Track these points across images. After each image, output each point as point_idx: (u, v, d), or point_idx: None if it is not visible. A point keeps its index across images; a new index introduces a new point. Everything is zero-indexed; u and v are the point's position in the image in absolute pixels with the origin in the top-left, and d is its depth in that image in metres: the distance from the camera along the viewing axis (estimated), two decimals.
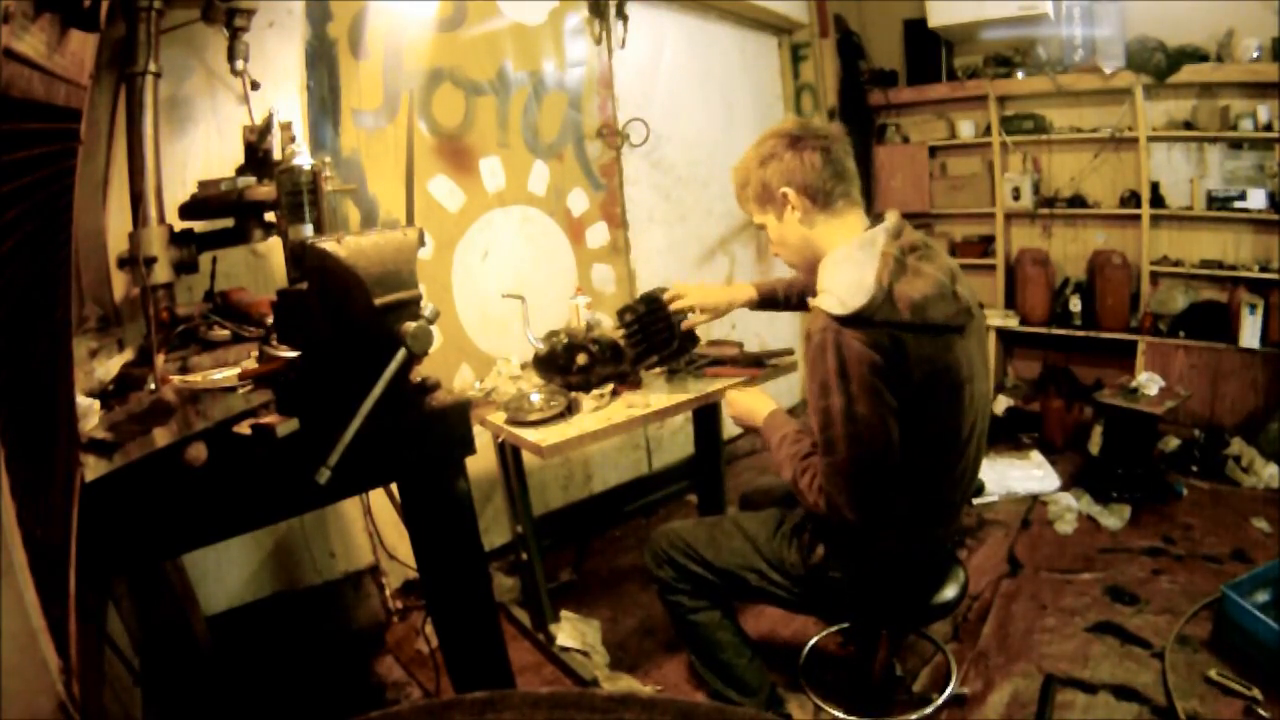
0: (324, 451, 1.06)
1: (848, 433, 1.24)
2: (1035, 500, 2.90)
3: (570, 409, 1.82)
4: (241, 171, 1.64)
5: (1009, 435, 3.54)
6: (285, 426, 1.10)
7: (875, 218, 1.39)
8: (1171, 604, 2.16)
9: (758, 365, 2.04)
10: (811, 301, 1.30)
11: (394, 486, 1.73)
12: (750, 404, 1.59)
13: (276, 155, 1.58)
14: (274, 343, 1.29)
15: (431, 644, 2.01)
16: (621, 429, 1.79)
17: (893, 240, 1.31)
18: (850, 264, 1.28)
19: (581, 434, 1.72)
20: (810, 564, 1.46)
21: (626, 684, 1.98)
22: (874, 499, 1.29)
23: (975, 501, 2.92)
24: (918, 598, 1.51)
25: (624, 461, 3.06)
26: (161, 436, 1.06)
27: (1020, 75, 3.65)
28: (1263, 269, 3.15)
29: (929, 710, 1.77)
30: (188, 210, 1.61)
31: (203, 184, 1.61)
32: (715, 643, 1.63)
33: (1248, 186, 3.15)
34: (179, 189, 1.66)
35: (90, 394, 1.17)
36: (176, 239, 1.56)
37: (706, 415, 2.37)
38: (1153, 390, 2.94)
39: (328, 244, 1.11)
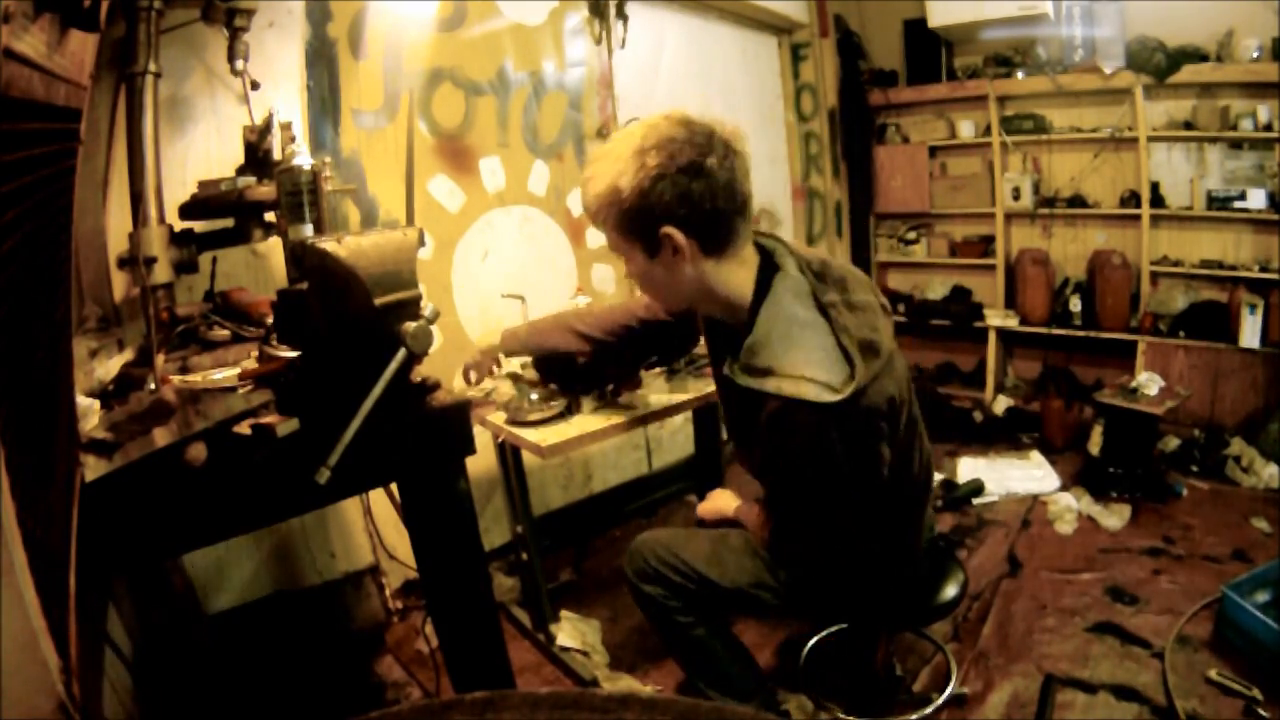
0: (324, 451, 1.06)
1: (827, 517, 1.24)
2: (1035, 500, 2.89)
3: (570, 409, 1.82)
4: (241, 171, 1.64)
5: (1009, 435, 3.54)
6: (285, 426, 1.10)
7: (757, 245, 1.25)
8: (1171, 604, 2.16)
9: None
10: (768, 389, 1.11)
11: (394, 486, 1.73)
12: (717, 505, 1.62)
13: (276, 155, 1.58)
14: (274, 343, 1.29)
15: (431, 644, 2.01)
16: (621, 429, 1.79)
17: (817, 281, 1.19)
18: (806, 329, 1.14)
19: (581, 434, 1.72)
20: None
21: (626, 684, 1.98)
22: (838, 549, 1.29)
23: (975, 501, 2.92)
24: (897, 599, 1.49)
25: (624, 461, 3.06)
26: (161, 436, 1.06)
27: (1020, 75, 3.65)
28: (1263, 269, 3.15)
29: (929, 710, 1.77)
30: (188, 210, 1.60)
31: (203, 184, 1.61)
32: (710, 654, 1.56)
33: (1248, 186, 3.15)
34: (179, 189, 1.66)
35: (90, 394, 1.17)
36: (176, 239, 1.56)
37: (706, 415, 2.37)
38: (1153, 390, 2.94)
39: (328, 244, 1.11)
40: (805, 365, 1.10)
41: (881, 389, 1.14)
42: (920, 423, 1.37)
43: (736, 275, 1.19)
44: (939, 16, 3.60)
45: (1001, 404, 3.76)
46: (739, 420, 1.29)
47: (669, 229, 1.11)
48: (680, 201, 1.09)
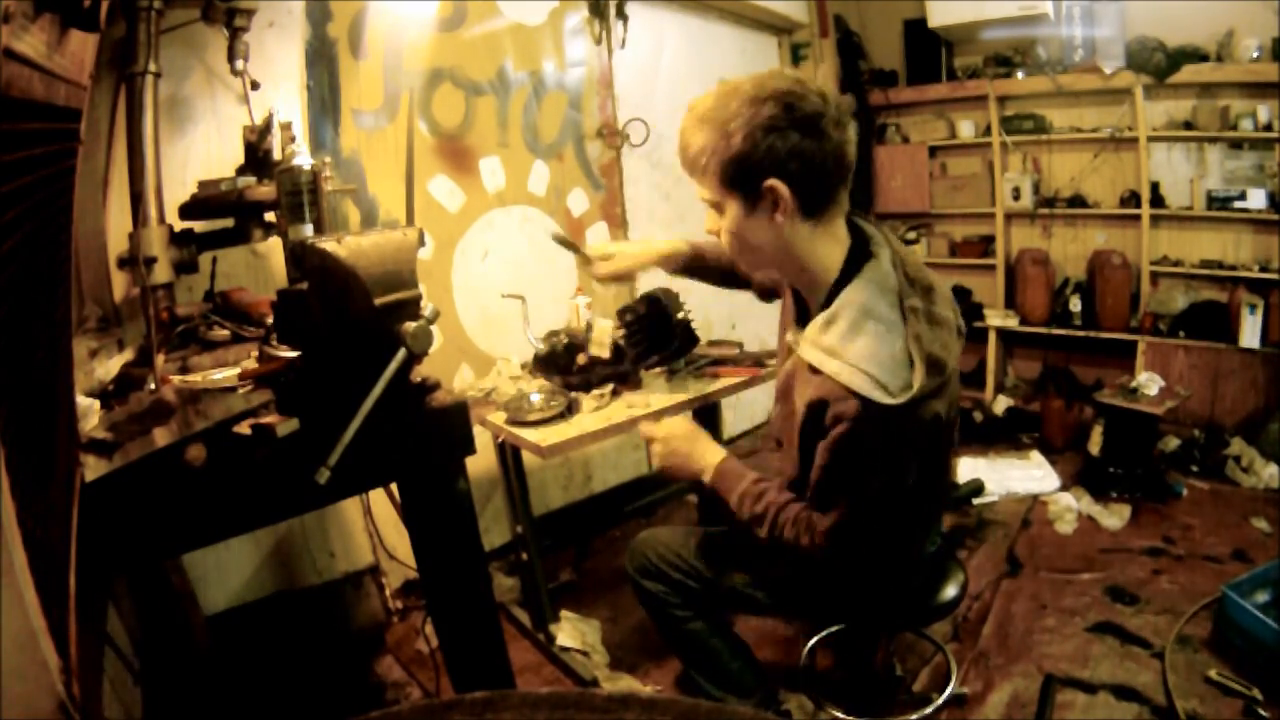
0: (324, 451, 1.06)
1: (872, 512, 1.18)
2: (1035, 500, 2.89)
3: (570, 409, 1.82)
4: (241, 171, 1.64)
5: (1009, 435, 3.53)
6: (285, 426, 1.10)
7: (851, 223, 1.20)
8: (1171, 604, 2.16)
9: (758, 365, 2.04)
10: (827, 369, 1.10)
11: (394, 486, 1.73)
12: (689, 450, 1.35)
13: (276, 155, 1.59)
14: (274, 343, 1.29)
15: (431, 644, 2.01)
16: (621, 429, 1.79)
17: (906, 283, 1.14)
18: (881, 325, 1.10)
19: (581, 434, 1.72)
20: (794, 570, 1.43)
21: (626, 684, 1.98)
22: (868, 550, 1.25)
23: (975, 501, 2.92)
24: (896, 598, 1.49)
25: (624, 461, 3.06)
26: (161, 436, 1.06)
27: (1020, 75, 3.65)
28: (1263, 269, 3.15)
29: (929, 710, 1.77)
30: (188, 210, 1.61)
31: (203, 184, 1.61)
32: (710, 650, 1.56)
33: (1248, 186, 3.15)
34: (179, 189, 1.66)
35: (90, 394, 1.17)
36: (176, 239, 1.56)
37: (707, 415, 2.37)
38: (1153, 390, 2.94)
39: (328, 244, 1.11)
40: (869, 360, 1.07)
41: (931, 406, 1.10)
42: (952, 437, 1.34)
43: (827, 248, 1.16)
44: (939, 16, 3.60)
45: (1001, 404, 3.76)
46: (787, 389, 1.25)
47: (774, 182, 1.07)
48: (791, 155, 1.06)
